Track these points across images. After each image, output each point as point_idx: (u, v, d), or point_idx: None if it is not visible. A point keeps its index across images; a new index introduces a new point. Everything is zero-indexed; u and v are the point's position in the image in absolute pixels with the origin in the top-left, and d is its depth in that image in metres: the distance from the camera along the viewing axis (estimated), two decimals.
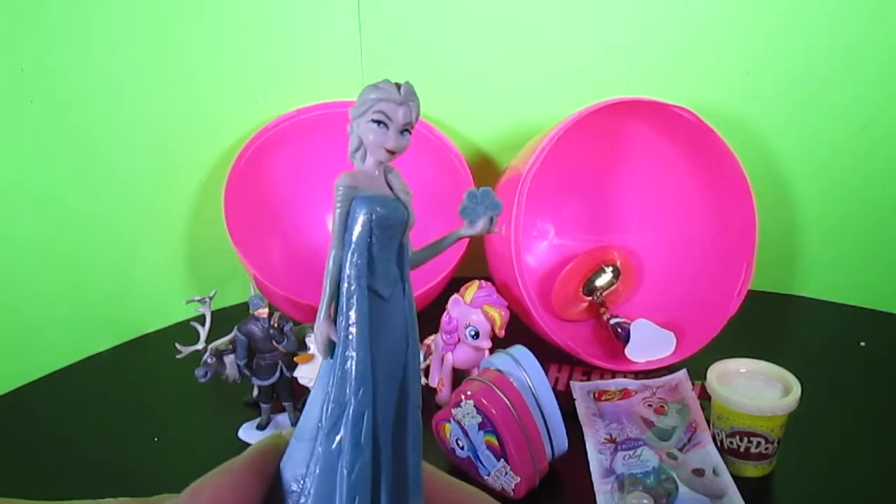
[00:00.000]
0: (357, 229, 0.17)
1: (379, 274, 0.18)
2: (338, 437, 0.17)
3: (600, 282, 0.90)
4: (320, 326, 0.18)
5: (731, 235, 0.81)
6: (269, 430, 0.69)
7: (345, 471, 0.17)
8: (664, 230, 0.91)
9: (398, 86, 0.18)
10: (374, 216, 0.17)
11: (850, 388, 0.77)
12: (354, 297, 0.17)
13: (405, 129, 0.18)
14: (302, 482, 0.18)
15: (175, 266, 0.93)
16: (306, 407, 0.19)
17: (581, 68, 0.92)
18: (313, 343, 0.65)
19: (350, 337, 0.17)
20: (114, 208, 0.86)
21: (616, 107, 0.75)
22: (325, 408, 0.18)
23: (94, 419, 0.75)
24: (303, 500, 0.18)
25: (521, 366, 0.62)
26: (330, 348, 0.18)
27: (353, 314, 0.17)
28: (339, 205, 0.18)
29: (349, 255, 0.17)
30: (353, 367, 0.17)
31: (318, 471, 0.18)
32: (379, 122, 0.18)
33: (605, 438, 0.64)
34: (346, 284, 0.18)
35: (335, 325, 0.18)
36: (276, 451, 0.20)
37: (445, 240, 0.20)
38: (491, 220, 0.20)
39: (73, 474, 0.67)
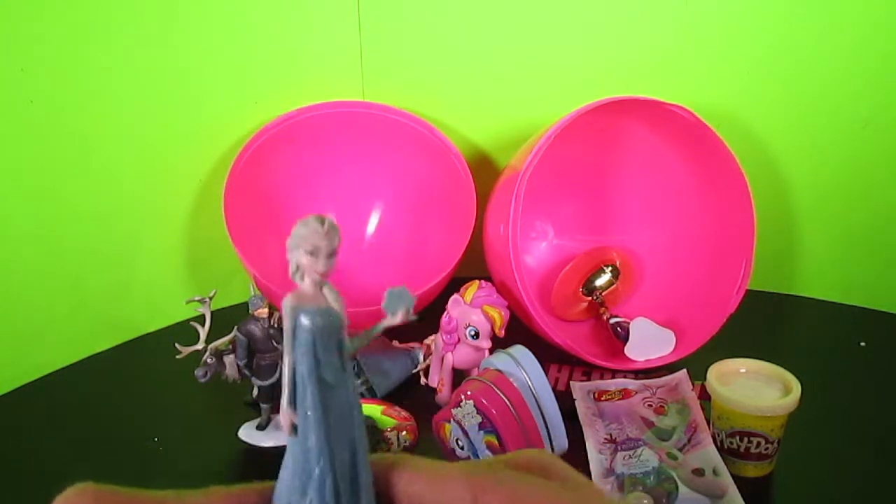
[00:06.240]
0: (304, 336, 0.22)
1: (325, 366, 0.23)
2: (308, 500, 0.22)
3: (600, 282, 0.90)
4: (285, 413, 0.23)
5: (730, 234, 0.81)
6: (269, 429, 0.69)
7: None
8: (663, 229, 0.91)
9: (322, 222, 0.23)
10: (314, 325, 0.22)
11: (850, 388, 0.77)
12: (308, 388, 0.22)
13: (331, 255, 0.23)
14: None
15: (175, 266, 0.93)
16: (279, 476, 0.23)
17: (581, 68, 0.92)
18: None
19: (308, 418, 0.22)
20: (114, 208, 0.86)
21: (613, 106, 0.75)
22: (294, 476, 0.23)
23: (94, 419, 0.75)
24: None
25: (521, 366, 0.62)
26: (294, 429, 0.23)
27: (308, 401, 0.22)
28: (287, 320, 0.22)
29: (300, 356, 0.22)
30: (314, 443, 0.22)
31: None
32: (311, 254, 0.23)
33: (605, 438, 0.64)
34: (300, 379, 0.23)
35: (296, 411, 0.23)
36: None
37: (374, 329, 0.25)
38: (407, 310, 0.25)
39: (72, 474, 0.66)
